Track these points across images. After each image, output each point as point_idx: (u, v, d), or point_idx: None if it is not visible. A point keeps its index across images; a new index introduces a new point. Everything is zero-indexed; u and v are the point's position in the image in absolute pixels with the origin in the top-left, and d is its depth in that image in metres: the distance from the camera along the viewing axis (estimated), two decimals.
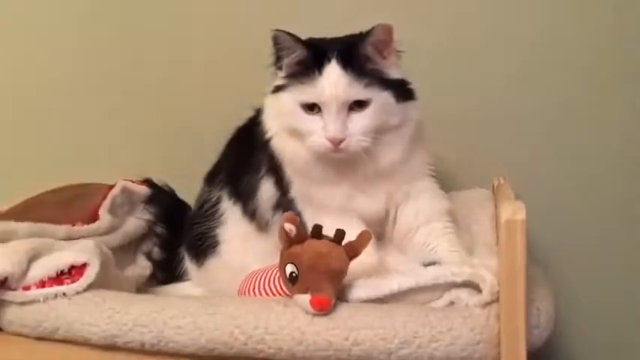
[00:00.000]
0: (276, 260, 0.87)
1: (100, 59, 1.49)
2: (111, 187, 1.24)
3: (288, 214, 0.89)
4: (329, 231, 0.85)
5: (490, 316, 0.78)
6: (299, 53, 0.94)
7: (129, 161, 1.45)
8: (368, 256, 0.88)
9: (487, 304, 0.78)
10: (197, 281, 1.15)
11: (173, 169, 1.35)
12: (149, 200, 1.27)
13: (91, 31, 1.48)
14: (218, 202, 1.11)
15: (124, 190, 1.25)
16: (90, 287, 0.91)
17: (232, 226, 1.09)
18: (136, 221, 1.24)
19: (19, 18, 1.51)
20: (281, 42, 0.94)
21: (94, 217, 1.17)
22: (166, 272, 1.20)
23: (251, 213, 1.06)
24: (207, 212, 1.11)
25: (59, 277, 0.91)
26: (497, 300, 0.78)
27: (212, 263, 1.11)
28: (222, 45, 1.40)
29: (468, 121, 1.33)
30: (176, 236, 1.21)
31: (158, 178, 1.30)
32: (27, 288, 0.90)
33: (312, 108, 0.93)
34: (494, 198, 1.10)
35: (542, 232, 1.24)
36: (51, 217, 1.07)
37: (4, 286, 0.90)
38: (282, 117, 0.97)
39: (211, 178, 1.14)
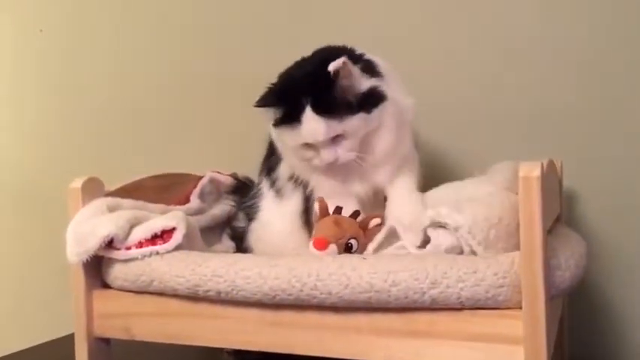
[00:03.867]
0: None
1: (189, 65, 1.74)
2: (201, 177, 1.44)
3: (319, 197, 1.11)
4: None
5: (514, 263, 0.87)
6: (279, 110, 1.12)
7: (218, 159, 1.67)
8: None
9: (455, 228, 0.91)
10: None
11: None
12: (233, 190, 1.46)
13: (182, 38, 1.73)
14: (260, 182, 1.31)
15: (212, 180, 1.44)
16: (178, 248, 1.09)
17: (266, 197, 1.28)
18: (222, 206, 1.42)
19: (118, 29, 1.82)
20: (261, 106, 1.12)
21: (186, 201, 1.37)
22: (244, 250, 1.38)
23: (272, 182, 1.26)
24: (255, 192, 1.32)
25: (153, 239, 1.09)
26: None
27: (255, 224, 1.29)
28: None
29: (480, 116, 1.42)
30: None
31: (242, 173, 1.49)
32: (128, 248, 1.09)
33: (305, 144, 1.11)
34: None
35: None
36: (150, 198, 1.26)
37: (111, 246, 1.10)
38: (286, 148, 1.17)
39: (260, 167, 1.34)
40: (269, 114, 1.13)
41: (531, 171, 0.85)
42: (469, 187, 1.08)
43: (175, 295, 1.06)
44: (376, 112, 1.10)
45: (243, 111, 1.63)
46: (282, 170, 1.25)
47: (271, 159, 1.28)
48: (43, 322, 1.81)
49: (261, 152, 1.31)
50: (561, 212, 1.22)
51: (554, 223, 1.08)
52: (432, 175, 1.38)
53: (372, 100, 1.10)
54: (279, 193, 1.25)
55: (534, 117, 1.38)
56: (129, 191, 1.23)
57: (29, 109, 1.99)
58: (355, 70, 1.09)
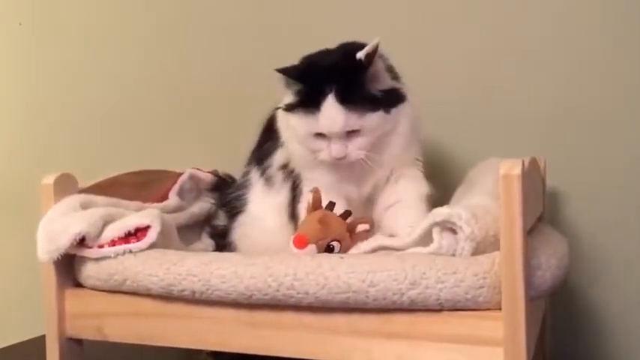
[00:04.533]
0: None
1: (170, 61, 1.71)
2: (181, 173, 1.41)
3: (314, 188, 1.07)
4: None
5: (494, 263, 0.85)
6: (299, 89, 1.08)
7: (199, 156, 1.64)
8: None
9: (469, 237, 0.86)
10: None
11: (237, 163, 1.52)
12: (214, 187, 1.43)
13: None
14: (249, 172, 1.28)
15: (192, 177, 1.41)
16: (152, 246, 1.06)
17: (254, 187, 1.26)
18: (202, 204, 1.39)
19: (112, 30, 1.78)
20: (283, 79, 1.08)
21: (164, 199, 1.33)
22: (225, 248, 1.35)
23: (262, 171, 1.23)
24: (242, 182, 1.29)
25: (127, 237, 1.06)
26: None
27: (242, 218, 1.26)
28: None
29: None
30: None
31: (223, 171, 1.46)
32: (101, 246, 1.06)
33: (317, 134, 1.07)
34: None
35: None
36: (126, 195, 1.23)
37: (82, 244, 1.06)
38: (293, 135, 1.13)
39: (249, 157, 1.31)
40: (286, 87, 1.09)
41: (512, 169, 0.83)
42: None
43: (149, 295, 1.04)
44: (394, 113, 1.08)
45: (226, 108, 1.65)
46: (277, 158, 1.22)
47: (264, 147, 1.25)
48: (15, 323, 1.77)
49: (244, 149, 1.30)
50: (544, 211, 1.21)
51: (536, 222, 1.07)
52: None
53: (393, 99, 1.08)
54: (269, 182, 1.23)
55: (520, 115, 1.37)
56: (104, 188, 1.21)
57: (4, 103, 1.95)
58: (381, 65, 1.07)
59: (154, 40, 1.74)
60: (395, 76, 1.12)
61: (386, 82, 1.08)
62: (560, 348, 1.31)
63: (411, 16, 1.46)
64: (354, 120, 1.04)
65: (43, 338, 1.12)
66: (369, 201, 1.15)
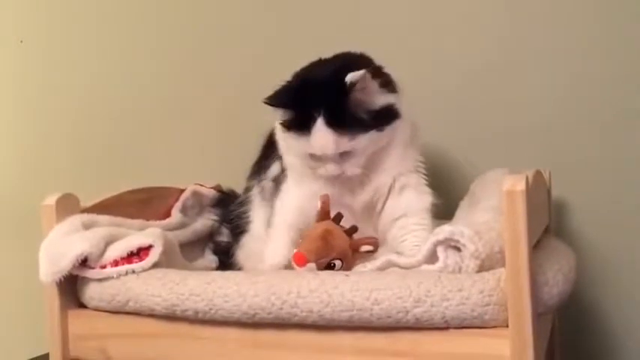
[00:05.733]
0: None
1: (171, 78, 1.71)
2: (183, 190, 1.41)
3: (323, 195, 1.05)
4: None
5: (500, 280, 0.84)
6: (289, 114, 1.08)
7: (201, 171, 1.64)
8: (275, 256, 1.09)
9: (473, 254, 0.85)
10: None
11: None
12: (216, 203, 1.42)
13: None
14: (250, 188, 1.27)
15: (195, 194, 1.41)
16: (155, 266, 1.06)
17: (255, 203, 1.25)
18: (205, 221, 1.39)
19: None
20: (272, 105, 1.08)
21: (167, 216, 1.33)
22: (230, 266, 1.34)
23: (258, 182, 1.24)
24: (244, 198, 1.28)
25: (129, 257, 1.05)
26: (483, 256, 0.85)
27: (246, 238, 1.25)
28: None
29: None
30: None
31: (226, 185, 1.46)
32: (103, 266, 1.06)
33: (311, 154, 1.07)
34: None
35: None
36: (128, 214, 1.23)
37: (85, 265, 1.06)
38: (290, 151, 1.13)
39: (250, 171, 1.31)
40: (277, 112, 1.10)
41: (515, 185, 0.82)
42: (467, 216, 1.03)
43: (152, 315, 1.03)
44: (388, 130, 1.07)
45: (226, 122, 1.65)
46: (272, 170, 1.22)
47: (265, 161, 1.24)
48: (18, 341, 1.77)
49: (246, 163, 1.30)
50: (550, 223, 1.19)
51: (543, 234, 1.06)
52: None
53: (385, 117, 1.07)
54: (263, 194, 1.22)
55: (525, 125, 1.36)
56: (106, 207, 1.20)
57: (5, 120, 1.95)
58: (374, 85, 1.06)
59: (157, 55, 1.74)
60: (392, 90, 1.10)
61: (379, 101, 1.07)
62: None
63: (414, 26, 1.46)
64: (345, 142, 1.04)
65: (46, 357, 1.12)
66: (372, 208, 1.14)
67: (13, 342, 1.82)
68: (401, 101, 1.10)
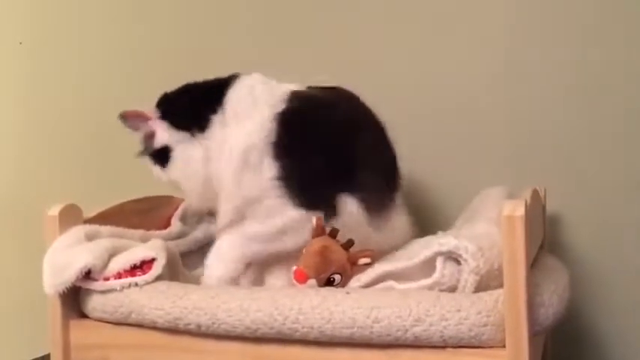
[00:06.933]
0: None
1: (170, 80, 1.68)
2: (183, 199, 1.42)
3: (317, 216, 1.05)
4: None
5: (498, 301, 0.86)
6: None
7: None
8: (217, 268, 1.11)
9: (473, 270, 0.88)
10: None
11: None
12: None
13: None
14: None
15: None
16: (158, 278, 1.07)
17: None
18: (205, 229, 1.40)
19: None
20: None
21: (167, 225, 1.35)
22: None
23: None
24: None
25: (132, 270, 1.07)
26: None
27: None
28: None
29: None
30: None
31: None
32: (107, 279, 1.07)
33: None
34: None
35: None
36: (130, 224, 1.24)
37: (88, 277, 1.07)
38: None
39: None
40: None
41: (515, 210, 0.84)
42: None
43: (155, 328, 1.04)
44: (172, 168, 1.18)
45: None
46: None
47: None
48: (19, 342, 1.78)
49: None
50: (544, 238, 1.22)
51: (538, 251, 1.08)
52: (422, 199, 1.38)
53: (164, 156, 1.18)
54: None
55: (519, 140, 1.38)
56: (108, 217, 1.21)
57: (3, 122, 1.95)
58: (146, 125, 1.19)
59: (156, 57, 1.74)
60: (200, 120, 1.16)
61: (158, 141, 1.19)
62: None
63: (411, 43, 1.47)
64: (162, 173, 1.20)
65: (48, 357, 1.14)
66: None
67: (16, 342, 1.83)
68: (225, 123, 1.14)
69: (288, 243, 1.07)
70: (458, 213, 1.21)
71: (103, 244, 1.09)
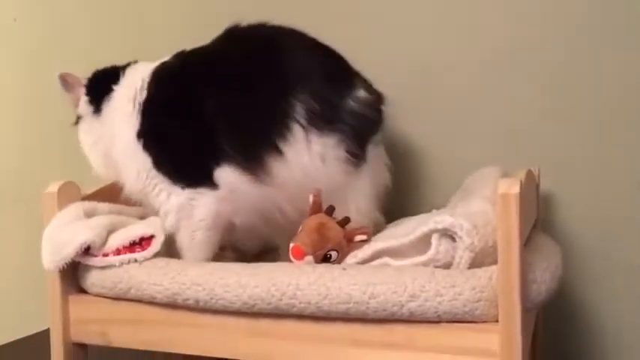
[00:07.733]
0: None
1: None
2: None
3: (315, 189, 1.08)
4: None
5: (492, 278, 0.88)
6: None
7: None
8: None
9: (468, 247, 0.89)
10: None
11: None
12: None
13: None
14: None
15: None
16: (156, 255, 1.09)
17: None
18: None
19: None
20: None
21: None
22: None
23: None
24: None
25: (132, 246, 1.08)
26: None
27: None
28: None
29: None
30: None
31: None
32: (106, 255, 1.08)
33: None
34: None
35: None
36: (127, 200, 1.25)
37: (88, 253, 1.09)
38: None
39: None
40: None
41: (510, 188, 0.85)
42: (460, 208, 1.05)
43: (153, 303, 1.06)
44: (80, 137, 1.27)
45: None
46: None
47: None
48: (18, 318, 1.79)
49: None
50: (538, 217, 1.23)
51: (531, 229, 1.10)
52: (416, 177, 1.39)
53: None
54: None
55: (513, 120, 1.39)
56: (106, 194, 1.22)
57: (1, 104, 1.94)
58: (77, 91, 1.27)
59: (152, 35, 1.73)
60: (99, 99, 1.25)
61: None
62: (553, 357, 1.34)
63: (410, 25, 1.46)
64: None
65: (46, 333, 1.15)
66: None
67: (17, 317, 1.84)
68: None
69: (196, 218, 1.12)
70: (452, 191, 1.22)
71: (102, 221, 1.11)
